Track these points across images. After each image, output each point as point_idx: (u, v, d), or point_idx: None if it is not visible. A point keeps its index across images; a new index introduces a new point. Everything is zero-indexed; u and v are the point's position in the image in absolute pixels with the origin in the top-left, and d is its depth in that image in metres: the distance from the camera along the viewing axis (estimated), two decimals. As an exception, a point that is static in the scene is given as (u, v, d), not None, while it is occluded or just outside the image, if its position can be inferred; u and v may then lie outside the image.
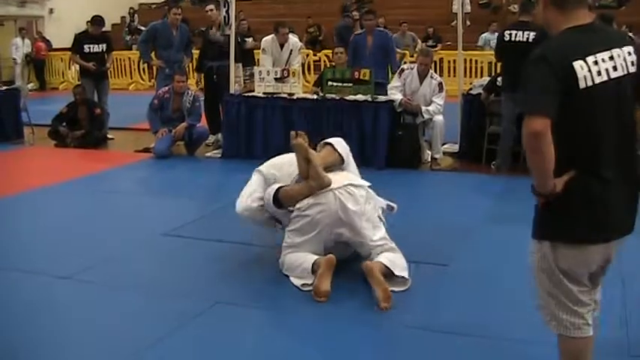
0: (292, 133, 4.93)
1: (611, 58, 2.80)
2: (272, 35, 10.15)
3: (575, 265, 2.94)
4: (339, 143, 5.14)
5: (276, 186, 4.96)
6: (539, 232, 3.12)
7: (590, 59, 2.77)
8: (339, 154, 5.06)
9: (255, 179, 5.25)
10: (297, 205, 4.81)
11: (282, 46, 10.08)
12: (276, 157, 5.36)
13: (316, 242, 4.81)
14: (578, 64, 2.75)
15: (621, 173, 2.84)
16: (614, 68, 2.79)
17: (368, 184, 4.95)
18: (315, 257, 4.70)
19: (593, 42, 2.81)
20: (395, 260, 4.74)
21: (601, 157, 2.81)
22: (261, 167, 5.29)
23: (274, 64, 9.89)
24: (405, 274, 4.71)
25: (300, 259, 4.76)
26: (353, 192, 4.79)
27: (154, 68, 11.94)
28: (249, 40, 11.15)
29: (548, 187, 2.89)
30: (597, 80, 2.75)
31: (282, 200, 4.87)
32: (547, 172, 2.85)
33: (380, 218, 4.98)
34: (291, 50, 10.12)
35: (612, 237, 2.91)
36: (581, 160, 2.83)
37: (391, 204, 5.32)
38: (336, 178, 4.83)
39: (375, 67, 9.03)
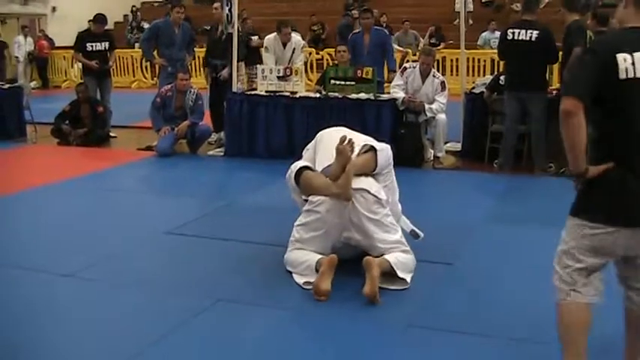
0: (342, 136, 4.79)
1: None
2: (275, 34, 10.15)
3: (600, 246, 3.09)
4: (382, 152, 5.03)
5: (303, 164, 4.96)
6: (572, 209, 3.22)
7: (638, 55, 2.90)
8: (375, 164, 4.97)
9: (311, 145, 5.30)
10: (311, 199, 4.80)
11: (284, 44, 10.08)
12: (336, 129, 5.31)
13: (323, 241, 4.79)
14: (621, 56, 2.90)
15: None
16: None
17: (385, 198, 4.85)
18: (320, 256, 4.69)
19: (628, 41, 2.96)
20: (403, 261, 4.71)
21: (638, 152, 2.97)
22: (321, 134, 5.31)
23: (277, 62, 9.89)
24: (408, 277, 4.69)
25: (305, 257, 4.75)
26: (367, 197, 4.75)
27: (157, 66, 11.95)
28: (255, 38, 11.15)
29: (579, 168, 3.03)
30: (635, 75, 2.89)
31: (301, 182, 4.87)
32: (576, 152, 2.99)
33: (393, 224, 4.92)
34: (294, 49, 10.13)
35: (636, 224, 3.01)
36: (619, 153, 2.98)
37: (417, 231, 5.33)
38: (356, 181, 4.74)
39: (373, 66, 9.04)
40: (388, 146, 5.17)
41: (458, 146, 9.38)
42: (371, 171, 4.95)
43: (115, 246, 5.56)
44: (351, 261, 4.89)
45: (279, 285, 4.71)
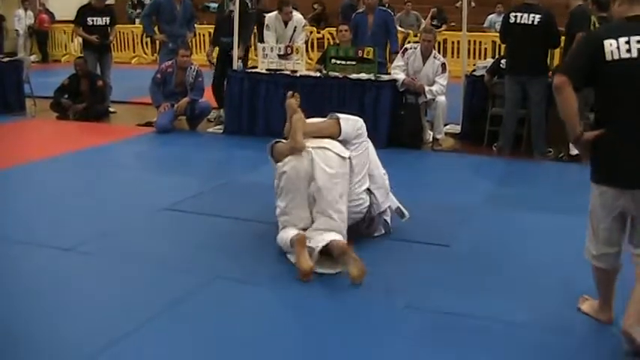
0: (289, 92, 5.09)
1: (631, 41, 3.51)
2: (276, 12, 10.10)
3: (604, 204, 3.63)
4: (348, 121, 5.12)
5: (276, 140, 5.10)
6: (590, 175, 3.74)
7: (622, 39, 3.50)
8: (339, 131, 5.04)
9: None
10: (279, 164, 4.91)
11: (286, 23, 10.02)
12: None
13: (301, 203, 4.82)
14: (607, 42, 3.52)
15: None
16: (633, 49, 3.50)
17: (347, 156, 4.90)
18: (293, 233, 4.67)
19: (631, 28, 3.54)
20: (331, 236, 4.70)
21: (623, 120, 3.54)
22: None
23: (278, 40, 9.86)
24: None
25: (285, 236, 4.78)
26: (327, 154, 4.82)
27: (157, 42, 11.89)
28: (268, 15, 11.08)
29: (575, 133, 3.63)
30: (625, 56, 3.48)
31: (274, 156, 5.02)
32: (569, 120, 3.62)
33: (355, 199, 4.98)
34: (295, 27, 10.05)
35: (633, 186, 3.53)
36: (610, 121, 3.58)
37: (403, 209, 5.36)
38: (317, 141, 4.90)
39: (375, 46, 9.02)
40: (359, 119, 5.24)
41: (457, 128, 9.38)
42: (336, 136, 5.03)
43: (113, 221, 5.57)
44: (348, 239, 4.94)
45: (277, 262, 4.73)
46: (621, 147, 3.53)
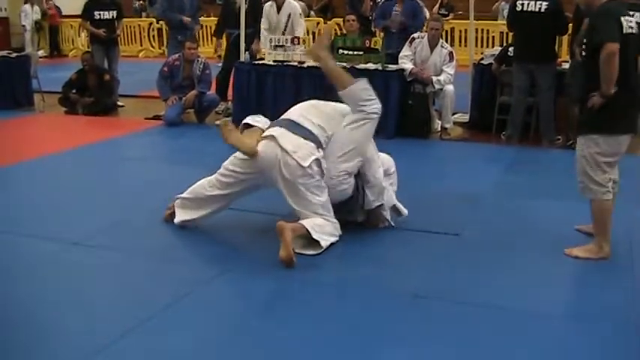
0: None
1: (630, 21, 4.49)
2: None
3: (613, 150, 4.55)
4: (367, 91, 4.99)
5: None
6: (587, 129, 4.60)
7: (624, 18, 4.43)
8: (351, 84, 4.96)
9: None
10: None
11: (279, 9, 9.82)
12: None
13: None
14: (622, 19, 4.41)
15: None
16: (632, 27, 4.47)
17: (306, 165, 4.75)
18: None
19: (623, 9, 4.51)
20: (320, 224, 4.74)
21: (630, 79, 4.49)
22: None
23: (270, 27, 9.78)
24: (324, 240, 4.71)
25: None
26: (288, 161, 4.76)
27: (165, 36, 11.84)
28: None
29: (611, 91, 4.40)
30: (628, 31, 4.42)
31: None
32: (613, 81, 4.37)
33: (336, 175, 4.90)
34: (290, 15, 9.81)
35: (634, 130, 4.61)
36: (622, 80, 4.40)
37: (401, 208, 5.28)
38: (286, 141, 4.82)
39: (399, 37, 8.99)
40: (377, 101, 5.04)
41: (466, 117, 9.36)
42: (341, 88, 4.97)
43: (122, 214, 5.58)
44: (357, 230, 4.95)
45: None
46: (630, 100, 4.55)
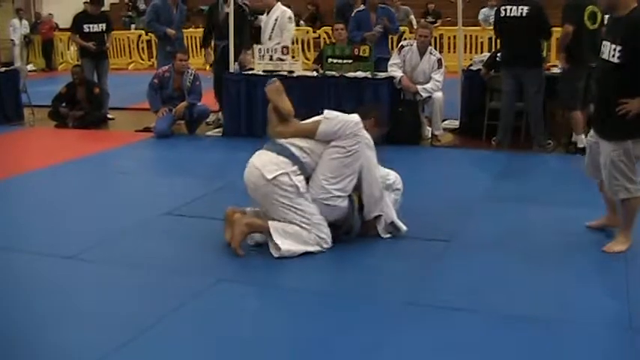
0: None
1: None
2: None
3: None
4: (331, 121, 4.93)
5: None
6: (622, 135, 4.65)
7: None
8: (317, 130, 4.95)
9: None
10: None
11: (268, 12, 9.82)
12: None
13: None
14: None
15: None
16: None
17: (272, 176, 4.87)
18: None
19: None
20: (290, 231, 4.82)
21: None
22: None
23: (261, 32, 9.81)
24: (285, 245, 4.77)
25: None
26: (256, 175, 4.97)
27: (154, 47, 11.84)
28: (261, 17, 11.04)
29: None
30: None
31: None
32: None
33: (324, 192, 4.91)
34: (277, 18, 9.75)
35: None
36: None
37: (399, 224, 5.21)
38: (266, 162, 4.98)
39: (378, 43, 9.05)
40: (349, 121, 4.93)
41: (456, 124, 9.40)
42: (312, 137, 4.97)
43: (115, 228, 5.57)
44: (347, 237, 5.01)
45: (279, 264, 4.73)
46: None
